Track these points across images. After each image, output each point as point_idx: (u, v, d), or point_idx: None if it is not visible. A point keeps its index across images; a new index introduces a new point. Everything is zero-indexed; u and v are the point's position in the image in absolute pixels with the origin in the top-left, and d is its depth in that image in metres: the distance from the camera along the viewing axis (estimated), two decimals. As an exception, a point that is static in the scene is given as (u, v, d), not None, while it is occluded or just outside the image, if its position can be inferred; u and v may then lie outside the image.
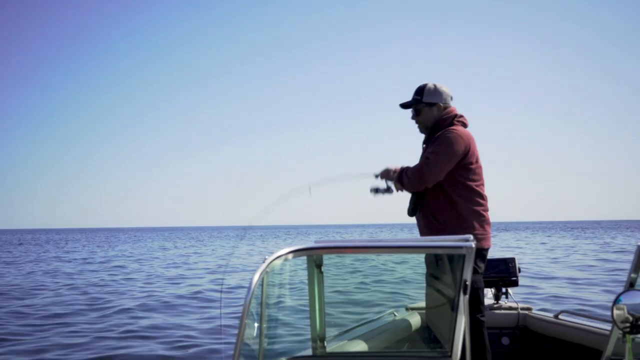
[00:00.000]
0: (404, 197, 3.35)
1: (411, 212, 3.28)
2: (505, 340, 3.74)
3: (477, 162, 3.13)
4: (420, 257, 2.75)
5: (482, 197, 3.14)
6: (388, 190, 3.37)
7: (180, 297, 11.47)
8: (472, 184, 3.09)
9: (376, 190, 3.38)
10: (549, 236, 49.34)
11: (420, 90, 3.25)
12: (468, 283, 2.01)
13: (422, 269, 2.87)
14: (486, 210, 3.16)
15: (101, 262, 23.25)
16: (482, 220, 3.10)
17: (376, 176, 3.39)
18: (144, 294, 11.96)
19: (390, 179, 3.34)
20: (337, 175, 3.49)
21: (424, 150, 3.27)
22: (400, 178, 3.20)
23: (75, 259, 25.53)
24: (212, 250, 34.43)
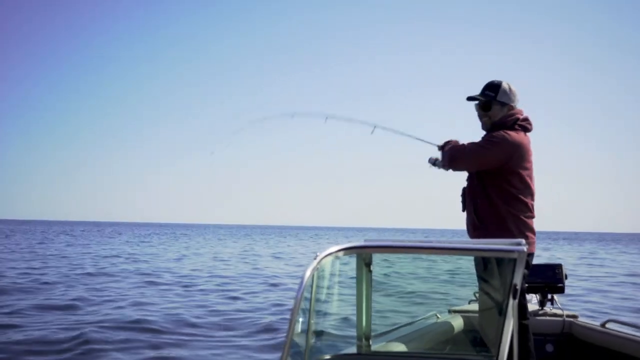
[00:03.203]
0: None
1: (462, 207, 3.32)
2: (549, 347, 3.68)
3: (525, 169, 3.12)
4: (468, 260, 2.73)
5: (525, 203, 3.10)
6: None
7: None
8: (513, 189, 3.08)
9: (434, 162, 3.44)
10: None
11: (496, 88, 3.22)
12: (518, 287, 1.99)
13: (467, 271, 2.85)
14: (529, 217, 3.12)
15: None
16: (522, 224, 3.07)
17: (439, 148, 3.44)
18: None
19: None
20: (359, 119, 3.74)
21: None
22: (445, 146, 3.29)
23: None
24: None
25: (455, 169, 3.25)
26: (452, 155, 3.21)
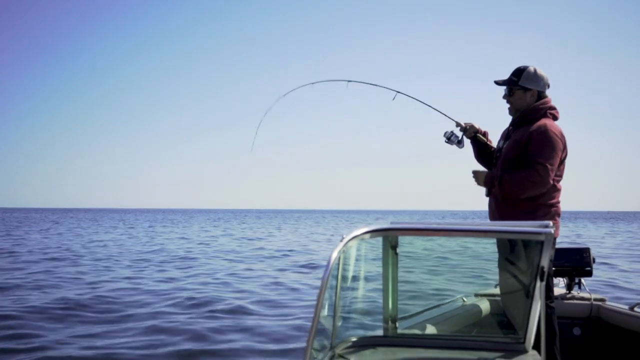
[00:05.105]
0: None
1: (488, 192, 3.25)
2: (576, 331, 3.66)
3: (564, 159, 3.08)
4: (492, 243, 2.72)
5: (557, 189, 3.10)
6: (460, 142, 3.42)
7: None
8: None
9: (449, 137, 3.42)
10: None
11: (519, 72, 3.14)
12: (545, 270, 1.98)
13: (493, 254, 2.83)
14: (558, 202, 3.12)
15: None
16: (553, 210, 3.08)
17: (458, 125, 3.42)
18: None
19: (469, 137, 3.40)
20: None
21: (508, 133, 3.25)
22: (496, 183, 3.05)
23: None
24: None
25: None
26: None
